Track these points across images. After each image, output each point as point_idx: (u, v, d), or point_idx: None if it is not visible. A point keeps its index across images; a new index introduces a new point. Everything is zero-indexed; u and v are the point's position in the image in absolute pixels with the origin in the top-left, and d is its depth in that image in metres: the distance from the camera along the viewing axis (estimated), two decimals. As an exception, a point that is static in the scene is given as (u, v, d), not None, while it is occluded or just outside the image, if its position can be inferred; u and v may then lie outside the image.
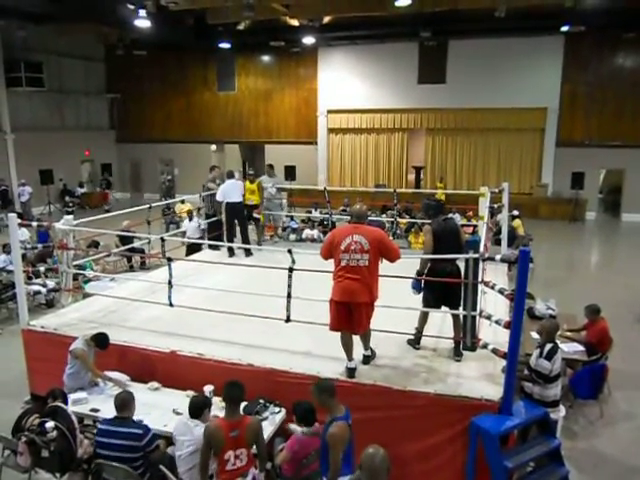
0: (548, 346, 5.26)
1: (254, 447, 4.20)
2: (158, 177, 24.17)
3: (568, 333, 6.91)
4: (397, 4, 14.17)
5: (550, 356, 5.18)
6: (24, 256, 9.68)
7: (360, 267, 4.84)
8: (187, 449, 4.35)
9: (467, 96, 19.36)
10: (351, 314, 4.94)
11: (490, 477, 4.39)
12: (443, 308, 5.53)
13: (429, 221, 5.65)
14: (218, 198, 9.42)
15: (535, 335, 6.07)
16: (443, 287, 5.30)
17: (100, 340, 5.53)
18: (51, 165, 20.29)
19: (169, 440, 4.62)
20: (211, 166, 11.50)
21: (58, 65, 21.54)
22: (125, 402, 4.53)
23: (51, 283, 9.72)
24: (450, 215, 6.86)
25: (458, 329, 5.43)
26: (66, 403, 4.96)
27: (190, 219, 12.10)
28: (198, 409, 4.44)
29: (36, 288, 9.48)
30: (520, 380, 5.28)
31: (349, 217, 5.51)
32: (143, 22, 15.11)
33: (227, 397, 4.18)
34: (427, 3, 15.16)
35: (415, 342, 5.64)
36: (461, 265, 5.35)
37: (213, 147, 22.57)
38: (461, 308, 5.35)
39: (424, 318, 5.60)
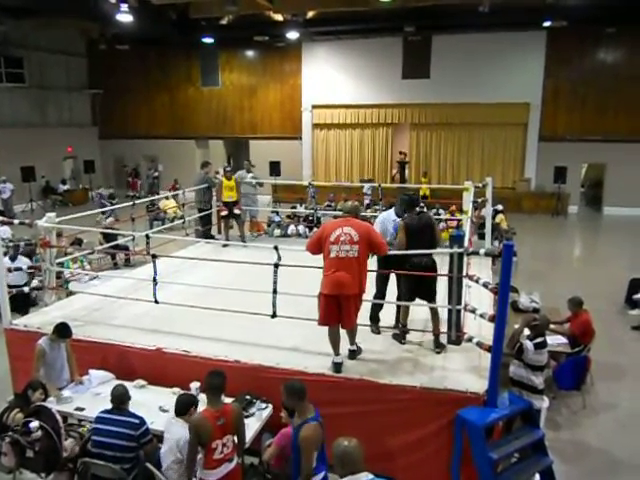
0: (538, 339, 5.29)
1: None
2: (143, 173, 23.96)
3: (552, 326, 6.97)
4: (381, -1, 14.16)
5: (539, 348, 5.21)
6: (5, 254, 9.54)
7: (349, 259, 4.86)
8: (165, 446, 4.35)
9: (451, 91, 19.40)
10: (340, 308, 4.95)
11: (476, 468, 4.44)
12: (425, 303, 5.57)
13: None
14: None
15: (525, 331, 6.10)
16: (417, 279, 5.36)
17: (60, 330, 5.40)
18: (33, 162, 19.95)
19: (158, 438, 4.60)
20: (204, 162, 11.32)
21: (39, 60, 21.19)
22: (121, 395, 4.56)
23: (34, 281, 9.61)
24: (420, 209, 6.77)
25: (436, 322, 5.49)
26: (46, 394, 4.95)
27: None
28: (184, 407, 4.42)
29: (19, 286, 9.34)
30: (505, 367, 5.31)
31: (335, 213, 5.53)
32: (125, 16, 14.91)
33: (209, 386, 4.23)
34: (411, -2, 15.22)
35: (401, 337, 5.68)
36: (444, 259, 5.38)
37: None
38: (446, 302, 5.39)
39: (405, 312, 5.65)
